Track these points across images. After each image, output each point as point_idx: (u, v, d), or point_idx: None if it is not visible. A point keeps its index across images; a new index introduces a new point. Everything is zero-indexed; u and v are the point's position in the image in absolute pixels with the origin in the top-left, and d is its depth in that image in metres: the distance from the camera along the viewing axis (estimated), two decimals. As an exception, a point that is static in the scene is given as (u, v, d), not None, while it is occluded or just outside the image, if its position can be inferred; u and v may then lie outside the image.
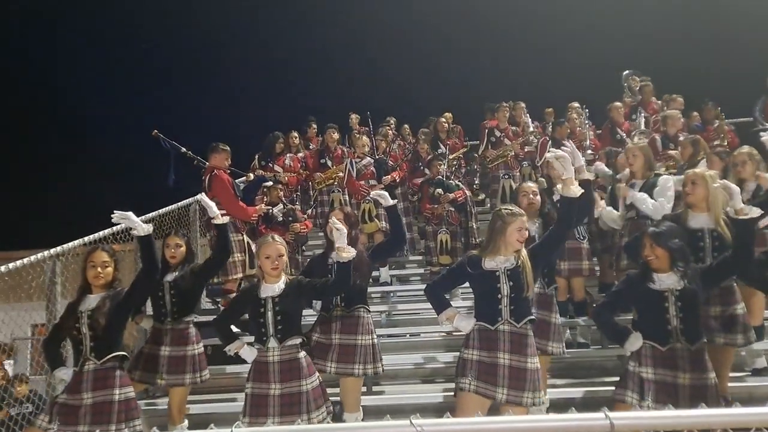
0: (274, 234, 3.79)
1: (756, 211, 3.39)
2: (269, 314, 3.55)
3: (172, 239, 4.47)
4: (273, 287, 3.62)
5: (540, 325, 3.92)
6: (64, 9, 15.43)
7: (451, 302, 3.73)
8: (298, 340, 3.58)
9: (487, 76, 14.99)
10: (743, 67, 11.64)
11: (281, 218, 6.76)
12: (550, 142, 7.65)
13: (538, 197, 4.22)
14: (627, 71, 9.44)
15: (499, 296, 3.40)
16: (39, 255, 4.87)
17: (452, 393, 4.42)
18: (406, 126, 9.74)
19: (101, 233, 5.61)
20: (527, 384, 3.30)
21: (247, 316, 3.80)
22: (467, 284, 3.82)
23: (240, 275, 5.92)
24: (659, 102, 8.74)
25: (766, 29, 12.43)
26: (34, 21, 15.96)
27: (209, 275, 4.74)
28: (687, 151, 5.91)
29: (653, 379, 3.30)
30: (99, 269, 3.72)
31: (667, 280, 3.43)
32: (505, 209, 3.57)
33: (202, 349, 4.41)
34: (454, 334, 5.22)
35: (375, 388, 4.90)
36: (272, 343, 3.52)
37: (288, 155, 8.37)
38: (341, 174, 7.82)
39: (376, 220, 7.03)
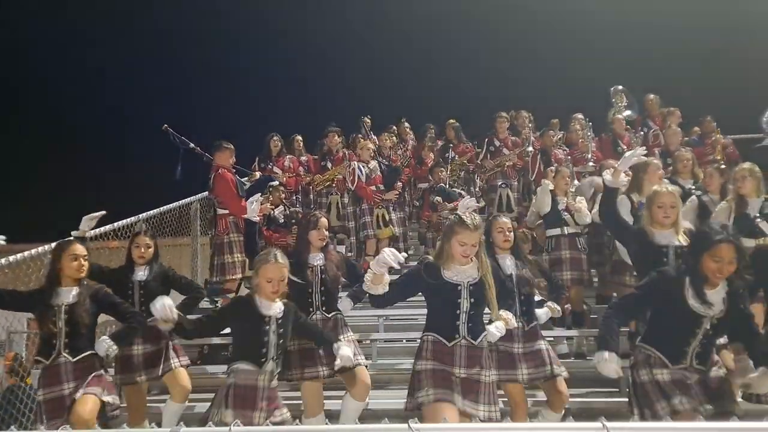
0: (277, 252, 3.43)
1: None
2: (272, 335, 3.28)
3: (142, 239, 4.41)
4: (274, 306, 3.35)
5: (536, 354, 3.87)
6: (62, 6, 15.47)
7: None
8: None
9: (493, 84, 15.05)
10: (746, 83, 11.70)
11: (282, 220, 6.77)
12: (540, 154, 7.67)
13: (512, 234, 4.07)
14: (615, 87, 9.45)
15: (458, 312, 3.16)
16: (39, 248, 4.89)
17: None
18: (407, 125, 9.64)
19: (102, 228, 5.65)
20: (481, 397, 3.14)
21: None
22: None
23: (239, 275, 5.93)
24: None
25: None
26: (34, 19, 16.00)
27: (178, 291, 4.57)
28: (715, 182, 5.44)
29: (669, 380, 2.97)
30: (82, 261, 3.68)
31: (713, 299, 2.91)
32: (462, 216, 3.19)
33: (176, 340, 4.33)
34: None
35: (373, 392, 4.90)
36: (270, 366, 3.27)
37: (288, 157, 8.35)
38: (339, 176, 7.84)
39: (390, 225, 7.08)
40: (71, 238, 3.86)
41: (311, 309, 4.00)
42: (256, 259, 3.44)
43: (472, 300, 3.17)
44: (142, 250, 4.36)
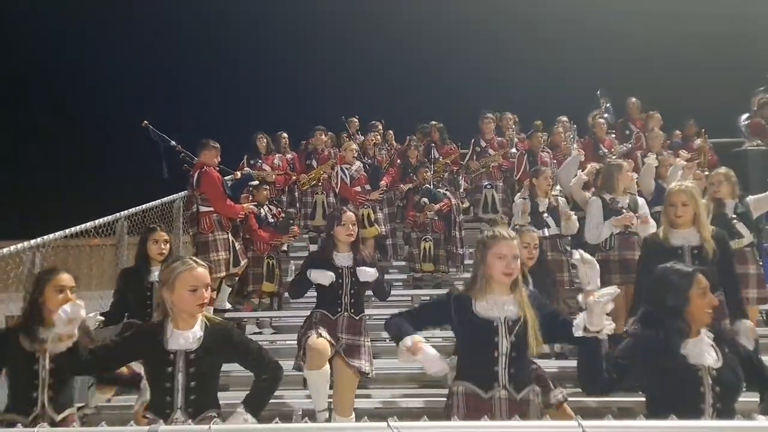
0: (189, 257, 2.79)
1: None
2: (180, 376, 2.52)
3: (160, 235, 4.23)
4: (186, 335, 2.57)
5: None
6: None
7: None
8: (214, 414, 2.58)
9: (482, 85, 15.12)
10: (723, 87, 11.88)
11: (271, 219, 6.76)
12: (526, 154, 7.77)
13: (538, 250, 3.64)
14: (600, 90, 9.62)
15: (496, 354, 2.58)
16: (19, 245, 4.83)
17: (433, 398, 4.43)
18: (390, 132, 9.81)
19: (83, 226, 5.59)
20: None
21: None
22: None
23: (223, 273, 5.91)
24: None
25: (747, 50, 12.74)
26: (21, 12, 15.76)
27: None
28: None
29: None
30: (69, 293, 3.05)
31: (700, 349, 2.44)
32: (488, 231, 2.75)
33: None
34: (431, 339, 5.16)
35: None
36: (179, 416, 2.51)
37: (277, 155, 8.39)
38: (325, 175, 7.88)
39: (375, 225, 7.10)
40: (53, 268, 3.25)
41: (339, 310, 3.90)
42: (167, 269, 2.65)
43: (513, 339, 2.58)
44: (162, 246, 4.16)
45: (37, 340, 2.99)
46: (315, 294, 4.10)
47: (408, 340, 2.60)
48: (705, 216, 3.79)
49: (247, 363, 2.71)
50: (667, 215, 3.83)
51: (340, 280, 3.88)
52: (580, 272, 2.42)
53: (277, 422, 1.80)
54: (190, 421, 2.47)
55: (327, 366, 3.80)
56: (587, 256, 2.41)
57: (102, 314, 3.67)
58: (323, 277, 3.83)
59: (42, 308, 3.05)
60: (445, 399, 2.82)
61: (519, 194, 5.79)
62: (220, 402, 2.73)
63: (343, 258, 3.93)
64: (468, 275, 3.09)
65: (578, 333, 2.39)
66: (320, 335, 3.75)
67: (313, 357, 3.75)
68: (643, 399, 2.64)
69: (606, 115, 9.13)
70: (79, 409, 3.28)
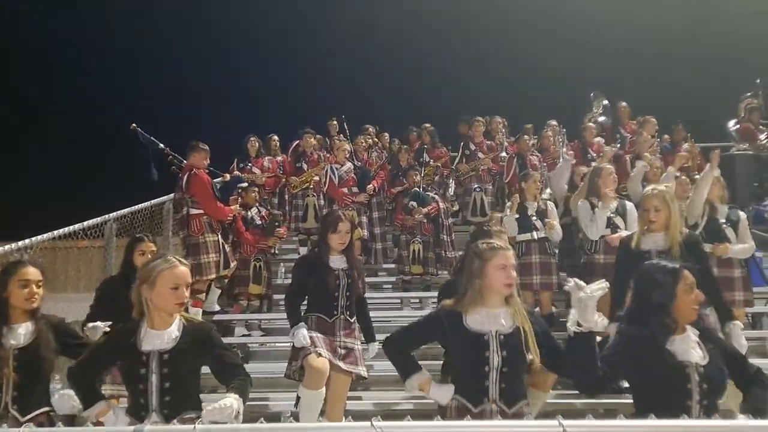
0: (171, 255, 2.71)
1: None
2: (154, 377, 2.46)
3: (147, 246, 4.16)
4: (161, 335, 2.51)
5: None
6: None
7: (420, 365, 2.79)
8: (194, 416, 2.41)
9: (482, 86, 15.17)
10: (712, 92, 11.98)
11: (259, 222, 6.74)
12: (516, 158, 7.82)
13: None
14: (594, 92, 9.68)
15: (486, 369, 2.56)
16: (6, 247, 4.80)
17: (422, 399, 4.46)
18: (386, 134, 9.81)
19: (70, 227, 5.56)
20: None
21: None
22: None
23: (213, 275, 5.89)
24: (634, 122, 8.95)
25: (736, 55, 12.85)
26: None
27: None
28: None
29: None
30: (34, 288, 2.92)
31: (686, 346, 2.43)
32: (482, 243, 2.73)
33: None
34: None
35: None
36: (155, 419, 2.44)
37: (266, 158, 8.37)
38: (316, 178, 7.88)
39: (358, 228, 7.11)
40: (20, 259, 3.16)
41: (335, 313, 3.91)
42: (148, 266, 2.61)
43: (504, 353, 2.55)
44: (149, 257, 3.98)
45: (4, 339, 2.85)
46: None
47: (415, 382, 2.72)
48: (677, 220, 3.75)
49: (222, 367, 2.58)
50: (642, 219, 3.84)
51: (337, 282, 3.91)
52: (573, 300, 2.40)
53: (261, 422, 1.79)
54: (175, 422, 2.44)
55: (324, 388, 3.82)
56: (582, 283, 2.39)
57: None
58: (298, 341, 3.79)
59: (6, 304, 2.91)
60: (413, 401, 2.82)
61: (507, 207, 5.79)
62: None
63: (337, 260, 3.96)
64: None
65: (573, 329, 2.38)
66: (320, 355, 3.75)
67: (313, 376, 3.75)
68: (630, 400, 2.64)
69: (601, 118, 9.16)
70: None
